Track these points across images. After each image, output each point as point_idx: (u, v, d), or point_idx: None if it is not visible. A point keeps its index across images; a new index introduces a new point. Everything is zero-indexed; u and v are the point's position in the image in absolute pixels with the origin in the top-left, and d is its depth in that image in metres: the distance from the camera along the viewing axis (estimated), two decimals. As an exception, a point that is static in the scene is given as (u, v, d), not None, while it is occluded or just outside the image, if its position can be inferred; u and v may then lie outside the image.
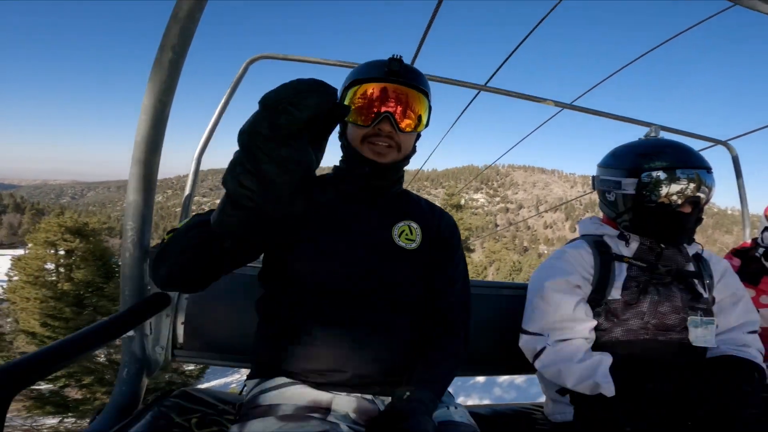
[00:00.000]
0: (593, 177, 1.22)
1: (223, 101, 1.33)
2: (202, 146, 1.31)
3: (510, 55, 2.16)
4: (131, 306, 1.06)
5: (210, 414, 0.94)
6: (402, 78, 0.88)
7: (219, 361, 1.19)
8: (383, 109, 0.87)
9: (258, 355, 0.89)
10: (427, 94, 0.92)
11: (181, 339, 1.18)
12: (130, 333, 1.11)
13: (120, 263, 1.11)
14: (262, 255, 0.97)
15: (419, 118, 0.91)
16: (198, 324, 1.18)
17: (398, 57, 0.89)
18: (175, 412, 0.92)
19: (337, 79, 0.98)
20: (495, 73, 2.23)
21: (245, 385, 0.90)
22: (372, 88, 0.89)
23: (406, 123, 0.89)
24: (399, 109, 0.89)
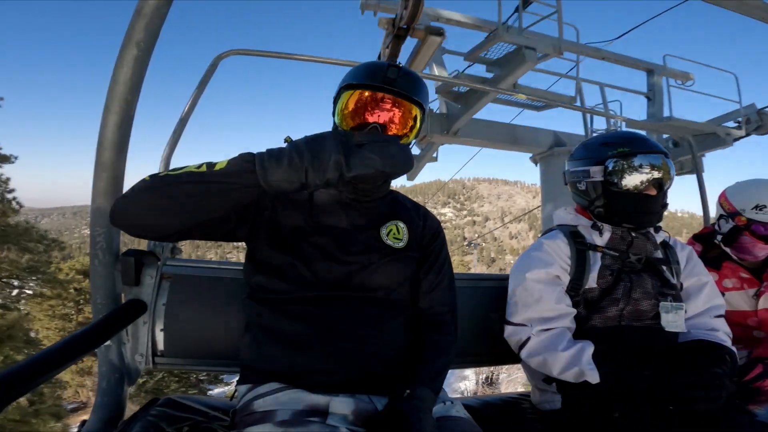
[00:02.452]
0: (564, 172, 1.27)
1: (192, 99, 1.27)
2: (171, 147, 1.24)
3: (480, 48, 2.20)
4: (106, 315, 1.01)
5: (201, 421, 0.92)
6: (397, 87, 0.86)
7: (204, 366, 1.16)
8: (371, 119, 0.86)
9: (247, 359, 0.87)
10: (421, 105, 0.90)
11: (161, 345, 1.15)
12: (107, 342, 1.07)
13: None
14: (246, 254, 0.95)
15: (410, 129, 0.90)
16: (179, 329, 1.14)
17: (398, 64, 0.87)
18: (165, 422, 0.90)
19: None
20: (468, 66, 2.28)
21: (236, 391, 0.88)
22: (364, 96, 0.87)
23: (393, 134, 0.88)
24: (388, 120, 0.87)
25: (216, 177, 0.67)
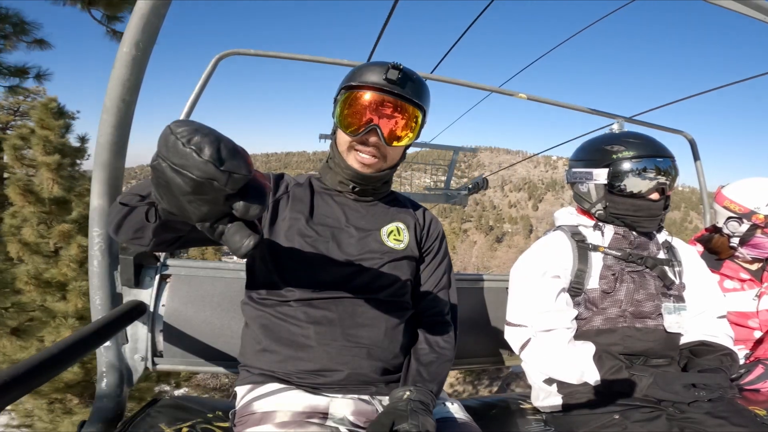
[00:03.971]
0: (566, 171, 1.26)
1: (191, 99, 1.26)
2: None
3: (453, 45, 2.25)
4: (105, 316, 1.01)
5: (200, 422, 0.92)
6: (398, 89, 0.85)
7: (203, 367, 1.16)
8: (372, 120, 0.85)
9: (247, 359, 0.87)
10: (422, 108, 0.89)
11: (160, 346, 1.15)
12: (107, 343, 1.07)
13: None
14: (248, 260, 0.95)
15: (410, 131, 0.89)
16: (178, 330, 1.14)
17: (398, 65, 0.85)
18: (164, 422, 0.90)
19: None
20: (440, 61, 2.32)
21: (235, 392, 0.88)
22: (364, 97, 0.86)
23: (394, 137, 0.87)
24: (388, 122, 0.86)
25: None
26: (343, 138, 0.89)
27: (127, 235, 0.67)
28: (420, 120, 0.90)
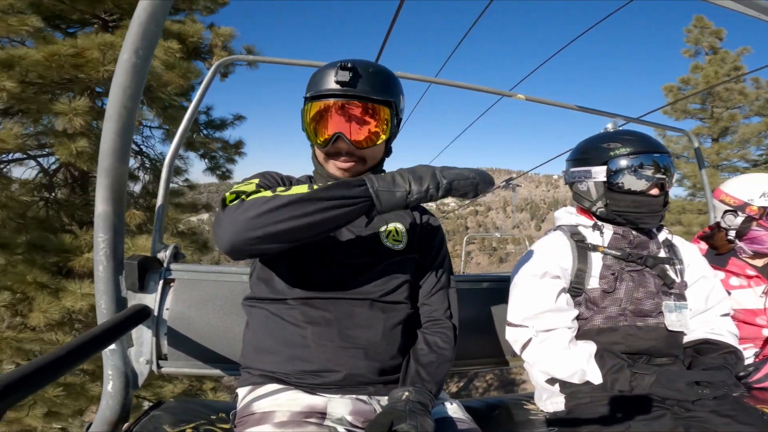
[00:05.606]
0: (564, 171, 1.26)
1: (192, 105, 1.29)
2: (173, 152, 1.26)
3: (456, 48, 2.27)
4: (111, 319, 1.02)
5: (203, 423, 0.93)
6: (351, 90, 0.83)
7: (207, 370, 1.17)
8: (333, 129, 0.85)
9: (248, 360, 0.88)
10: (384, 101, 0.86)
11: (165, 350, 1.16)
12: (112, 346, 1.08)
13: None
14: (253, 260, 0.96)
15: (381, 127, 0.88)
16: (182, 333, 1.16)
17: (346, 64, 0.83)
18: (168, 423, 0.91)
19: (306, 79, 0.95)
20: (443, 65, 2.34)
21: (237, 393, 0.89)
22: (321, 106, 0.85)
23: (361, 138, 0.86)
24: (351, 125, 0.85)
25: (335, 198, 0.71)
26: (317, 152, 0.91)
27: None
28: (389, 113, 0.88)
